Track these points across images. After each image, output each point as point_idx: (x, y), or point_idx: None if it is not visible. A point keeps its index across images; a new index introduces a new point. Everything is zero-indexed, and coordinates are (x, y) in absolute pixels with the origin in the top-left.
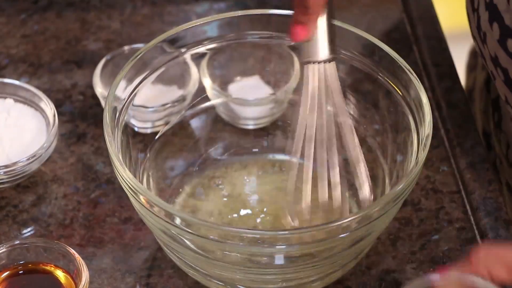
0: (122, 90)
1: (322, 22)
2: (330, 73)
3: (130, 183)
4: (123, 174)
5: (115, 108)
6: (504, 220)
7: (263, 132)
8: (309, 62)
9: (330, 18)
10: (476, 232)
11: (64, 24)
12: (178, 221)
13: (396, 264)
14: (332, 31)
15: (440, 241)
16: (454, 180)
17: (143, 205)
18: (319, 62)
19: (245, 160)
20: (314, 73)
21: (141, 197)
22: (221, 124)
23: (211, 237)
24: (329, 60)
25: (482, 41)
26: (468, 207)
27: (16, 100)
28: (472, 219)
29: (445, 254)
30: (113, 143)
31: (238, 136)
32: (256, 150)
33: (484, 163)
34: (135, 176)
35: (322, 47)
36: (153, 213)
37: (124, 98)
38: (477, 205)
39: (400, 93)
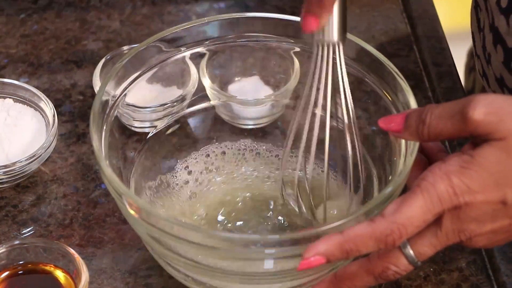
0: (115, 88)
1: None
2: (339, 56)
3: (113, 185)
4: (107, 175)
5: (105, 106)
6: None
7: (263, 132)
8: (318, 43)
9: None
10: None
11: (64, 24)
12: (162, 225)
13: None
14: (345, 15)
15: None
16: None
17: (126, 206)
18: (328, 45)
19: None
20: (323, 55)
21: (124, 198)
22: (220, 124)
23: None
24: (338, 44)
25: (487, 62)
26: None
27: (15, 100)
28: None
29: (445, 254)
30: (100, 142)
31: (238, 136)
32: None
33: None
34: (129, 176)
35: (333, 30)
36: (136, 214)
37: (116, 95)
38: None
39: (389, 97)
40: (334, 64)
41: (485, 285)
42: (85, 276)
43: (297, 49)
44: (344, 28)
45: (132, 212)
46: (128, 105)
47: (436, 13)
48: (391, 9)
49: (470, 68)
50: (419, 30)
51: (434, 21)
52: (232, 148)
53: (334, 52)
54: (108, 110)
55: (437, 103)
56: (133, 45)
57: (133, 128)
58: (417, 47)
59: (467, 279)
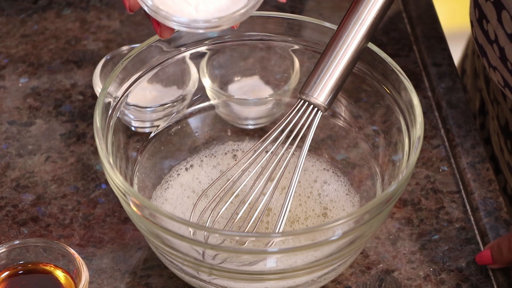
0: (116, 89)
1: (336, 73)
2: (314, 121)
3: (118, 184)
4: (112, 175)
5: (108, 107)
6: (504, 220)
7: (263, 132)
8: (303, 98)
9: (345, 77)
10: (476, 232)
11: (64, 24)
12: (165, 223)
13: (396, 264)
14: (340, 86)
15: (440, 241)
16: (454, 180)
17: (128, 203)
18: (313, 104)
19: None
20: (300, 109)
21: (129, 198)
22: (221, 124)
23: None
24: (322, 109)
25: (510, 72)
26: (468, 207)
27: None
28: (472, 219)
29: (445, 254)
30: (104, 143)
31: (238, 136)
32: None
33: (484, 163)
34: (132, 176)
35: (323, 92)
36: (139, 212)
37: (118, 96)
38: (477, 205)
39: (392, 95)
40: (309, 125)
41: (485, 285)
42: (85, 276)
43: (297, 48)
44: (334, 97)
45: (136, 210)
46: (129, 105)
47: (436, 13)
48: (391, 9)
49: (463, 70)
50: (419, 30)
51: (434, 21)
52: (232, 147)
53: (312, 114)
54: (110, 111)
55: (437, 103)
56: (133, 45)
57: (134, 128)
58: (417, 47)
59: (467, 279)
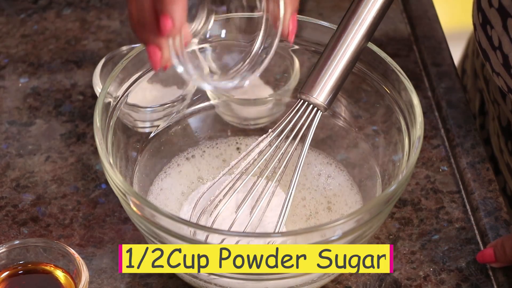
0: (116, 89)
1: (336, 72)
2: (313, 121)
3: (118, 184)
4: (112, 175)
5: (108, 107)
6: (504, 220)
7: (263, 132)
8: (303, 98)
9: (346, 74)
10: (476, 232)
11: (64, 24)
12: (164, 223)
13: (396, 264)
14: (340, 86)
15: (440, 241)
16: (454, 180)
17: (128, 203)
18: (312, 104)
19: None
20: (299, 109)
21: (129, 197)
22: (221, 124)
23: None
24: (322, 108)
25: None
26: (468, 207)
27: None
28: (472, 219)
29: (445, 254)
30: (104, 143)
31: (238, 136)
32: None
33: (484, 163)
34: (132, 176)
35: (323, 92)
36: (139, 212)
37: (118, 96)
38: (477, 205)
39: (392, 95)
40: (309, 125)
41: (485, 285)
42: (85, 276)
43: (297, 48)
44: (333, 97)
45: (136, 210)
46: (129, 105)
47: (436, 13)
48: (391, 9)
49: (463, 70)
50: (419, 30)
51: (434, 21)
52: (232, 147)
53: (312, 113)
54: (110, 111)
55: (437, 103)
56: (133, 45)
57: (134, 128)
58: (417, 47)
59: (467, 279)
